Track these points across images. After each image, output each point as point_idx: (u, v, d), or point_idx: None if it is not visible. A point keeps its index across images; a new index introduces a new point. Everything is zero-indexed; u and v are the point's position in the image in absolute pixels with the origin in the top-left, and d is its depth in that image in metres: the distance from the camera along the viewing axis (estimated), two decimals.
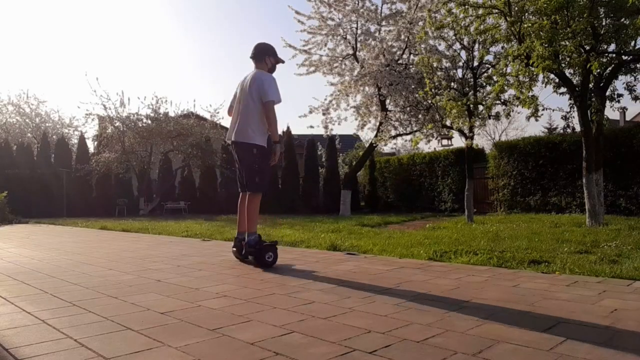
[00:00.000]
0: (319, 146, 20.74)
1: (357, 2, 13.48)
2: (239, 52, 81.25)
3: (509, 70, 7.48)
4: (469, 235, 5.75)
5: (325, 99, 13.70)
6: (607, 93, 7.84)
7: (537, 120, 7.29)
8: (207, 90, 76.09)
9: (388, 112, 13.08)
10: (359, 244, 5.00)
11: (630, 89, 7.95)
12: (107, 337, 1.87)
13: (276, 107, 3.86)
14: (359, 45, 13.48)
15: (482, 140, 39.01)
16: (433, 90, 9.58)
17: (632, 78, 7.80)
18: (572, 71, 7.47)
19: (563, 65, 7.07)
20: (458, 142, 48.04)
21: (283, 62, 4.09)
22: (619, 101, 8.11)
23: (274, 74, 4.00)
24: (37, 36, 66.10)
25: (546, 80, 7.72)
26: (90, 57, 67.55)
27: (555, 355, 1.56)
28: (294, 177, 18.64)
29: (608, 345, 1.65)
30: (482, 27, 7.63)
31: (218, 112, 20.09)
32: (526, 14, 7.11)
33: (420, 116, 12.21)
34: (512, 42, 7.33)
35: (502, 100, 8.92)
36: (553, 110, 17.41)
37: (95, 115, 19.52)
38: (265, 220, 10.00)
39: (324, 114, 13.68)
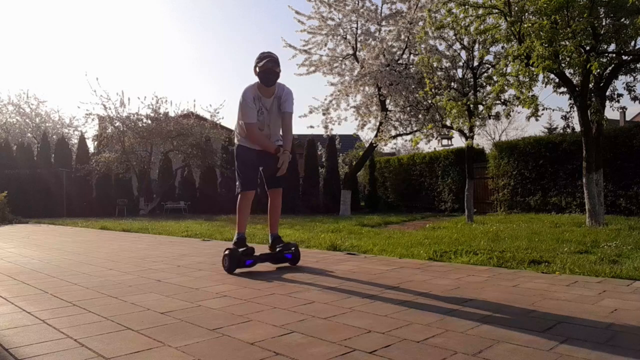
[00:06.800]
0: (319, 146, 20.73)
1: (357, 2, 13.48)
2: (239, 52, 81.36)
3: (509, 70, 7.47)
4: (469, 235, 5.74)
5: (325, 99, 13.69)
6: (607, 93, 7.84)
7: (537, 120, 7.29)
8: (207, 90, 76.06)
9: (388, 112, 13.07)
10: (359, 244, 5.00)
11: (630, 89, 7.95)
12: (107, 337, 1.87)
13: None
14: (359, 45, 13.48)
15: (482, 140, 39.01)
16: (433, 90, 9.58)
17: (632, 78, 7.80)
18: (572, 71, 7.46)
19: (563, 65, 7.07)
20: (458, 142, 48.06)
21: (264, 68, 3.53)
22: (618, 101, 8.11)
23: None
24: (37, 36, 66.18)
25: (546, 80, 7.72)
26: (90, 57, 67.64)
27: (555, 355, 1.56)
28: (294, 177, 18.63)
29: (608, 345, 1.65)
30: (482, 27, 7.63)
31: (218, 112, 20.14)
32: (526, 14, 7.11)
33: (420, 116, 12.19)
34: (512, 42, 7.33)
35: (502, 100, 8.92)
36: (553, 110, 17.46)
37: (95, 115, 19.52)
38: (266, 220, 9.98)
39: (324, 114, 13.67)
